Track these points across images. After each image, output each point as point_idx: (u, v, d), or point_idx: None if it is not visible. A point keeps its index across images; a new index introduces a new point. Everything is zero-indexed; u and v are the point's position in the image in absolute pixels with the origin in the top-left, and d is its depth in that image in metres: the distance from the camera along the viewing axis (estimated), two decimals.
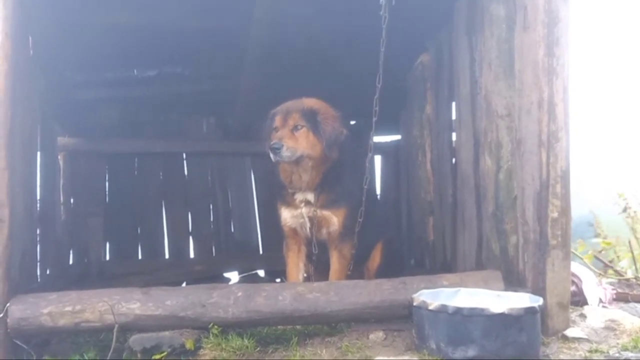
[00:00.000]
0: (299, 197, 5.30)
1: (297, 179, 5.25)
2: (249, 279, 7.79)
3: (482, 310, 3.94)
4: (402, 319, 4.50)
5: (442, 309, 4.00)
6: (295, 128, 5.15)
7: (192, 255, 8.17)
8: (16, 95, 4.47)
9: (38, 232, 6.07)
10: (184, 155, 8.24)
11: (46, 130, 6.51)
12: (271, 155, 5.07)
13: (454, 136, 6.00)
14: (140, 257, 8.05)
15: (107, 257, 7.92)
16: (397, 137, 7.94)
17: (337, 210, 5.27)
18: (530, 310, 4.00)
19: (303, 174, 5.22)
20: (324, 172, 5.23)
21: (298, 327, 4.70)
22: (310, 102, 5.28)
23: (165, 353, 4.34)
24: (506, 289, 4.52)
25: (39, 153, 6.14)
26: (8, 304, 4.31)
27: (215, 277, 7.55)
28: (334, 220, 5.27)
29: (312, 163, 5.18)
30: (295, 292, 4.56)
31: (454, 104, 5.94)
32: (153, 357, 4.33)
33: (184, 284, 7.17)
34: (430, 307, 4.04)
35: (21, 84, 4.66)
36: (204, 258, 8.14)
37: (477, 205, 5.29)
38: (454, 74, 5.82)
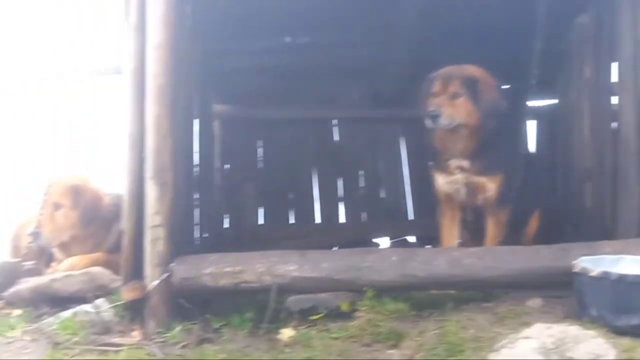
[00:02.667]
0: (453, 163, 5.24)
1: (452, 146, 5.19)
2: (398, 244, 7.77)
3: None
4: (561, 286, 4.37)
5: (605, 276, 3.87)
6: (455, 95, 5.08)
7: (342, 220, 8.24)
8: (177, 64, 4.62)
9: (196, 196, 6.29)
10: (335, 122, 8.29)
11: (202, 98, 6.69)
12: (427, 122, 5.03)
13: (614, 100, 5.77)
14: (291, 221, 8.20)
15: (261, 222, 8.10)
16: (553, 101, 7.70)
17: (493, 176, 5.19)
18: None
19: (458, 141, 5.16)
20: (479, 140, 5.15)
21: (452, 292, 4.67)
22: (471, 70, 5.19)
23: (321, 314, 4.43)
24: None
25: (196, 120, 6.33)
26: (172, 264, 4.49)
27: (364, 243, 7.56)
28: (490, 186, 5.19)
29: (468, 131, 5.11)
30: (450, 257, 4.53)
31: (614, 66, 5.70)
32: (310, 318, 4.43)
33: (334, 249, 7.24)
34: (592, 274, 3.92)
35: (181, 53, 4.81)
36: (353, 223, 8.20)
37: None
38: (614, 35, 5.57)
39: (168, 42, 4.47)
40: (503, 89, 5.32)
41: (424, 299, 4.60)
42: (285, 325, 4.44)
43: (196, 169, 6.36)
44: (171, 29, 4.48)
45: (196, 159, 6.40)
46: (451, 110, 5.02)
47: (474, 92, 5.06)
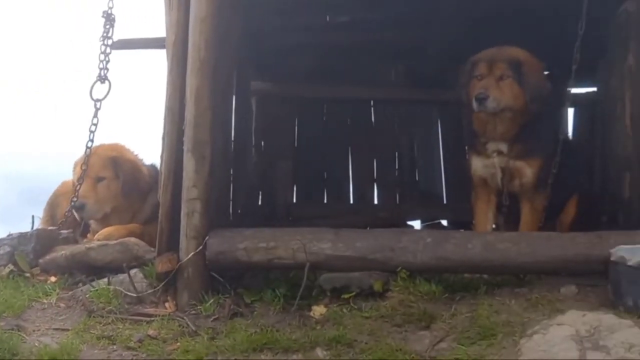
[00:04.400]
0: (491, 146, 5.21)
1: (492, 129, 5.16)
2: (432, 228, 7.75)
3: None
4: (597, 274, 4.35)
5: None
6: (501, 78, 5.05)
7: (376, 201, 8.23)
8: (219, 38, 4.63)
9: (231, 172, 6.31)
10: (372, 103, 8.26)
11: (241, 74, 6.69)
12: (474, 105, 5.00)
13: None
14: (325, 201, 8.20)
15: (294, 200, 8.11)
16: (592, 89, 7.61)
17: (531, 161, 5.15)
18: None
19: (499, 125, 5.13)
20: (520, 123, 5.12)
21: (485, 276, 4.65)
22: (516, 52, 5.16)
23: (354, 293, 4.44)
24: None
25: (234, 96, 6.35)
26: (207, 237, 4.53)
27: (398, 225, 7.52)
28: (528, 171, 5.16)
29: (511, 114, 5.08)
30: (484, 241, 4.52)
31: None
32: (342, 296, 4.44)
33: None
34: (629, 263, 3.91)
35: (223, 28, 4.81)
36: (387, 205, 8.17)
37: None
38: None
39: (211, 15, 4.49)
40: (546, 73, 5.27)
41: (457, 282, 4.59)
42: (317, 303, 4.47)
43: (233, 145, 6.38)
44: (214, 3, 4.49)
45: (233, 134, 6.41)
46: (498, 92, 5.00)
47: (519, 74, 5.03)
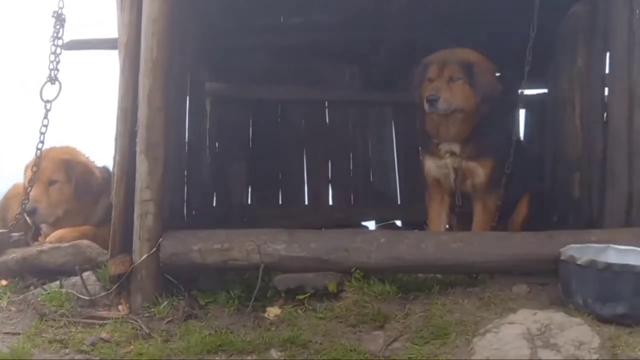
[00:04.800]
0: (444, 147, 5.26)
1: (444, 130, 5.20)
2: (386, 228, 7.79)
3: (634, 267, 3.85)
4: (547, 273, 4.42)
5: (591, 264, 3.92)
6: (452, 79, 5.08)
7: (330, 202, 8.24)
8: (172, 38, 4.61)
9: (185, 173, 6.28)
10: (326, 104, 8.26)
11: (195, 75, 6.65)
12: (425, 106, 5.03)
13: (606, 91, 5.79)
14: (280, 202, 8.19)
15: (249, 201, 8.10)
16: (543, 90, 7.71)
17: (484, 161, 5.21)
18: None
19: (451, 126, 5.17)
20: (472, 124, 5.17)
21: (439, 276, 4.70)
22: (467, 54, 5.20)
23: (308, 294, 4.45)
24: None
25: (187, 97, 6.32)
26: (161, 239, 4.50)
27: (352, 225, 7.54)
28: (480, 171, 5.22)
29: (463, 116, 5.12)
30: (438, 241, 4.56)
31: (607, 57, 5.72)
32: (297, 297, 4.45)
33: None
34: (579, 262, 3.97)
35: (175, 28, 4.79)
36: (342, 206, 8.19)
37: (629, 162, 5.10)
38: (609, 26, 5.58)
39: (163, 15, 4.45)
40: (497, 75, 5.33)
41: (411, 281, 4.64)
42: (271, 304, 4.48)
43: (187, 147, 6.35)
44: (167, 3, 4.46)
45: (187, 136, 6.38)
46: (449, 94, 5.03)
47: (470, 76, 5.07)
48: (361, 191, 8.27)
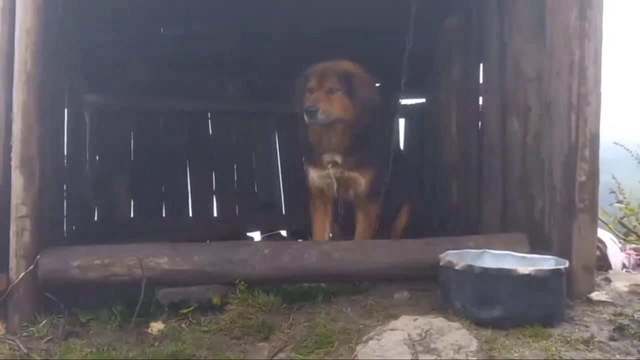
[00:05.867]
0: (326, 158, 5.32)
1: (326, 141, 5.26)
2: (271, 239, 7.81)
3: (509, 271, 3.96)
4: (427, 279, 4.50)
5: (469, 269, 4.02)
6: (331, 91, 5.15)
7: (215, 214, 8.21)
8: (47, 50, 4.49)
9: (65, 188, 6.14)
10: (209, 115, 8.23)
11: (74, 87, 6.53)
12: (305, 117, 5.08)
13: (480, 100, 5.98)
14: (164, 215, 8.10)
15: (132, 215, 7.97)
16: (422, 100, 7.90)
17: (365, 171, 5.29)
18: (556, 272, 4.02)
19: (333, 136, 5.23)
20: (352, 135, 5.24)
21: (323, 285, 4.74)
22: (346, 66, 5.27)
23: (192, 308, 4.41)
24: (531, 252, 4.52)
25: (66, 110, 6.18)
26: (38, 256, 4.37)
27: (238, 236, 7.52)
28: (361, 181, 5.30)
29: (343, 126, 5.19)
30: (321, 250, 4.61)
31: (481, 67, 5.91)
32: (180, 311, 4.41)
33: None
34: (457, 267, 4.06)
35: (51, 40, 4.68)
36: (227, 217, 8.16)
37: (503, 169, 5.29)
38: (482, 37, 5.79)
39: (37, 27, 4.32)
40: (376, 86, 5.43)
41: (295, 291, 4.65)
42: (155, 319, 4.40)
43: (66, 160, 6.20)
44: (40, 14, 4.34)
45: (66, 149, 6.23)
46: (328, 105, 5.09)
47: (349, 87, 5.15)
48: (246, 202, 8.27)
